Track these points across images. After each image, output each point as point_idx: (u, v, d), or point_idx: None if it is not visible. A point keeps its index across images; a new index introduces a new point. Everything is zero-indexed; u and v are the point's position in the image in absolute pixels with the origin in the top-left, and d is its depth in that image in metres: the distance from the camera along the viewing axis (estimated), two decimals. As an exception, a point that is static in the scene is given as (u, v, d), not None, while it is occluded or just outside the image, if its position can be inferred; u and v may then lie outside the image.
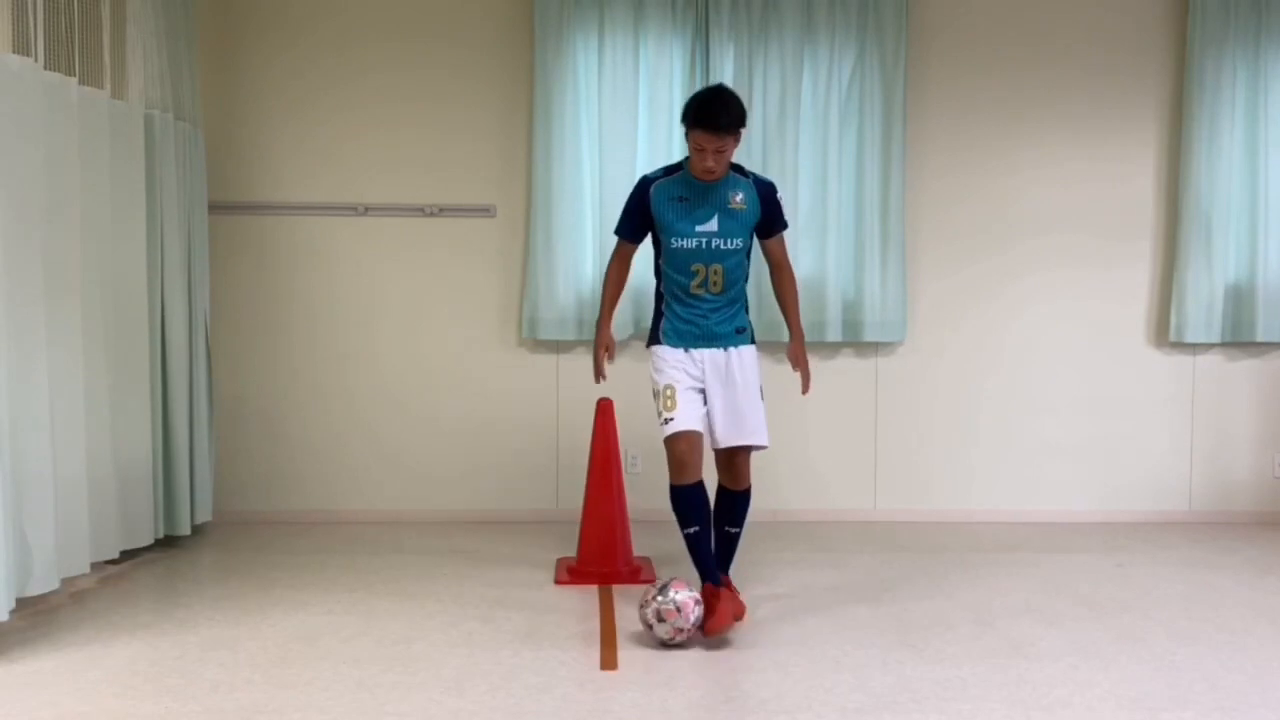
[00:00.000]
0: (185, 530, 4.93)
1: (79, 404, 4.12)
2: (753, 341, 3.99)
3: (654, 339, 3.95)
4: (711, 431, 3.90)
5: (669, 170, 3.93)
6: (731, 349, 3.90)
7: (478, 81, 5.52)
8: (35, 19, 3.88)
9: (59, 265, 4.01)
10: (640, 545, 4.66)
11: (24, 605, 3.81)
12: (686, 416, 3.80)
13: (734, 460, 3.95)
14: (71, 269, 4.11)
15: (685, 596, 3.60)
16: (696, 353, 3.87)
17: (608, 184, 5.38)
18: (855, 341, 5.60)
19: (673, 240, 3.84)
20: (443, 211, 5.53)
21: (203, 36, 5.31)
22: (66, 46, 4.14)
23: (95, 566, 4.31)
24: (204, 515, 5.14)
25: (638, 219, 3.92)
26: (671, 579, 3.68)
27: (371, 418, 5.55)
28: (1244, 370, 5.71)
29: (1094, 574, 4.63)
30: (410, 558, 4.80)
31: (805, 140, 5.49)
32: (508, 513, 5.53)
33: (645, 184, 3.91)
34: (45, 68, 3.95)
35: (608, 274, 4.05)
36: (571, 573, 4.50)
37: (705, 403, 3.87)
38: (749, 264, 3.98)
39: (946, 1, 5.60)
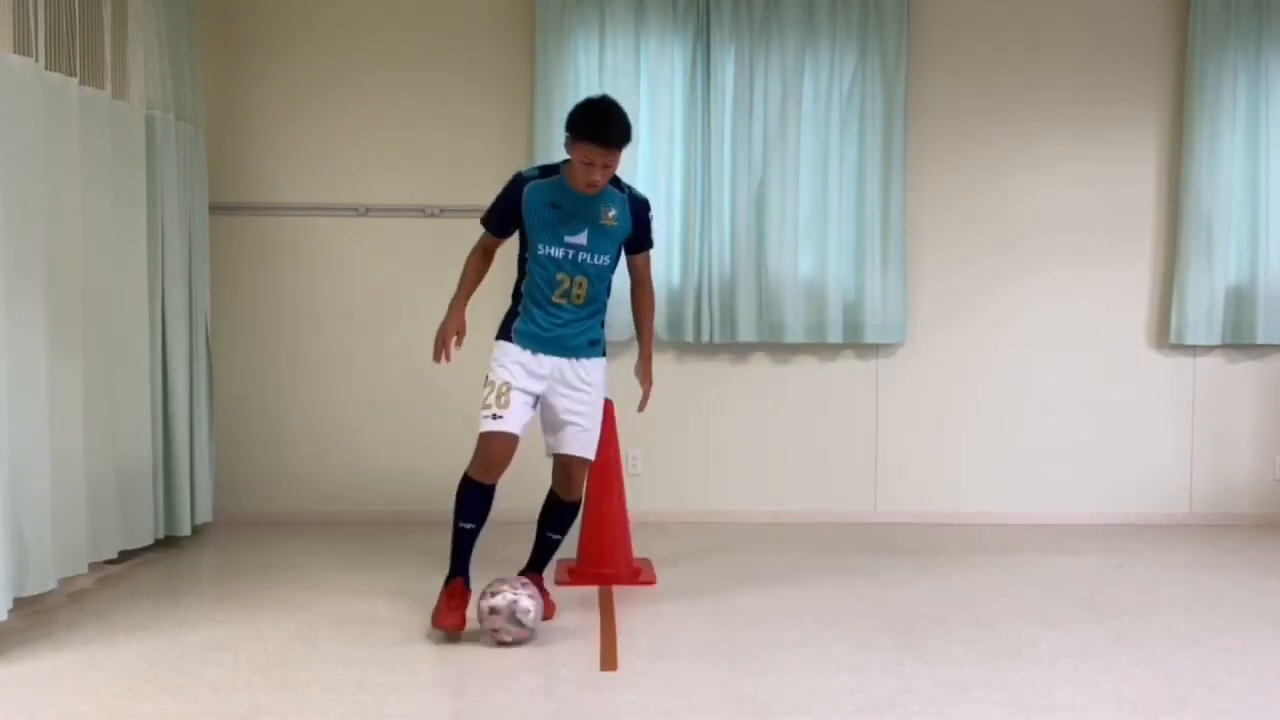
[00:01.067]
0: (185, 530, 4.93)
1: (78, 404, 4.12)
2: (603, 354, 3.92)
3: (503, 334, 3.85)
4: (547, 437, 3.88)
5: (546, 171, 3.83)
6: (581, 359, 3.83)
7: (479, 82, 5.52)
8: (36, 19, 3.89)
9: (59, 265, 4.01)
10: (640, 546, 4.66)
11: (22, 605, 3.81)
12: (513, 419, 3.73)
13: (570, 471, 3.90)
14: (72, 269, 4.11)
15: (518, 598, 3.58)
16: (543, 357, 3.80)
17: (608, 185, 5.37)
18: (856, 343, 5.60)
19: (539, 246, 3.76)
20: (443, 212, 5.53)
21: (204, 37, 5.31)
22: (68, 47, 4.14)
23: (94, 567, 4.31)
24: (204, 516, 5.14)
25: (507, 215, 3.82)
26: (512, 582, 3.65)
27: (372, 418, 5.55)
28: (1244, 372, 5.71)
29: (1094, 576, 4.62)
30: (410, 558, 4.79)
31: (806, 142, 5.49)
32: (508, 514, 5.50)
33: (520, 182, 3.80)
34: (46, 68, 3.96)
35: (466, 264, 3.92)
36: (572, 574, 4.49)
37: (534, 408, 3.82)
38: (613, 279, 3.88)
39: (947, 3, 5.60)
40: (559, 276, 3.76)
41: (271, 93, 5.50)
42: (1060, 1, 5.61)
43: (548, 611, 3.86)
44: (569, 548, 4.68)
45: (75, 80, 4.13)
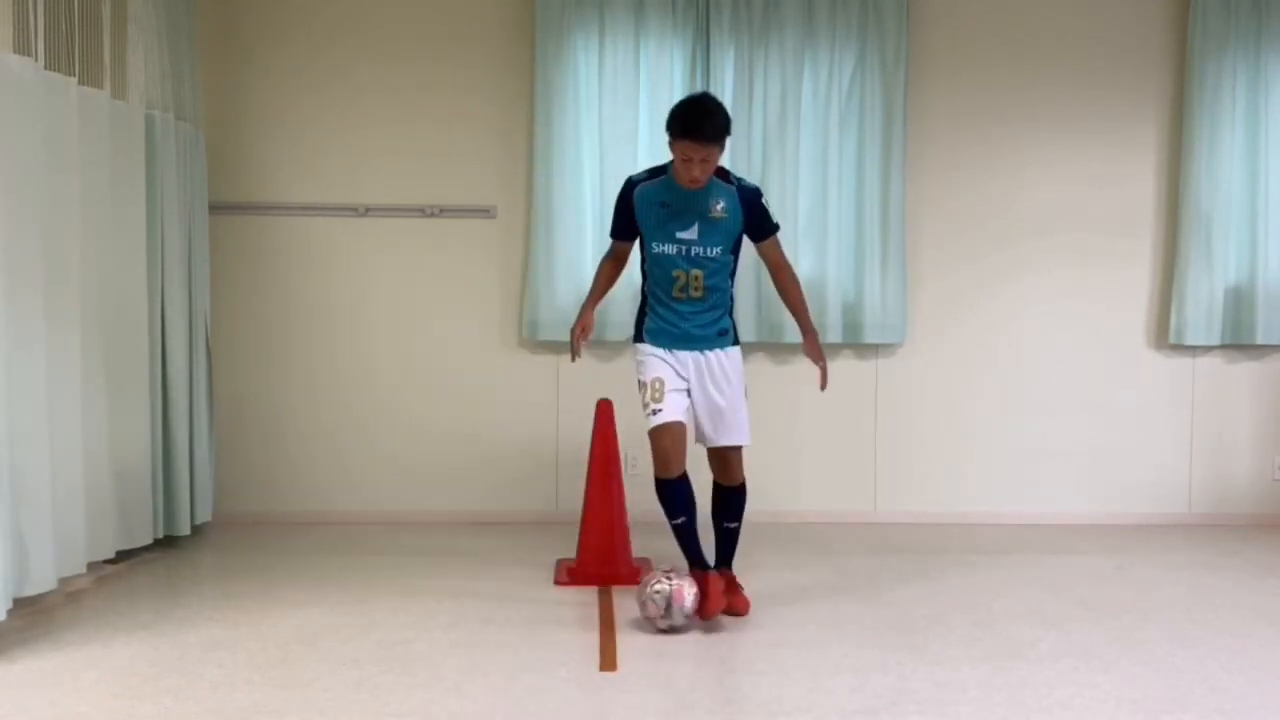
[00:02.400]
0: (185, 530, 4.93)
1: (77, 404, 4.12)
2: (736, 343, 4.00)
3: (639, 336, 3.99)
4: (698, 431, 3.96)
5: (653, 173, 3.94)
6: (712, 351, 3.92)
7: (479, 82, 5.52)
8: (36, 19, 3.89)
9: (59, 265, 4.01)
10: (640, 547, 4.66)
11: (21, 605, 3.80)
12: (672, 409, 3.85)
13: (724, 458, 4.01)
14: (71, 269, 4.10)
15: (678, 584, 3.71)
16: (678, 354, 3.91)
17: (608, 185, 5.37)
18: (855, 343, 5.60)
19: (654, 245, 3.88)
20: (443, 212, 5.53)
21: (204, 37, 5.31)
22: (67, 46, 4.14)
23: (93, 566, 4.30)
24: (203, 515, 5.14)
25: (626, 219, 3.95)
26: (668, 569, 3.77)
27: (371, 418, 5.55)
28: (1244, 372, 5.71)
29: (1094, 576, 4.62)
30: (410, 558, 4.80)
31: (805, 142, 5.49)
32: (507, 514, 5.53)
33: (630, 186, 3.94)
34: (45, 67, 3.95)
35: (598, 270, 4.11)
36: (571, 574, 4.49)
37: (688, 398, 3.91)
38: (734, 270, 3.97)
39: (947, 4, 5.60)
40: (675, 273, 3.86)
41: (271, 92, 5.50)
42: (1060, 1, 5.61)
43: (739, 606, 3.92)
44: (569, 547, 4.69)
45: (75, 80, 4.13)
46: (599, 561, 4.48)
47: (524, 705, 3.13)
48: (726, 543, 4.07)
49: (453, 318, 5.57)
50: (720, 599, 3.78)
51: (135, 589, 4.33)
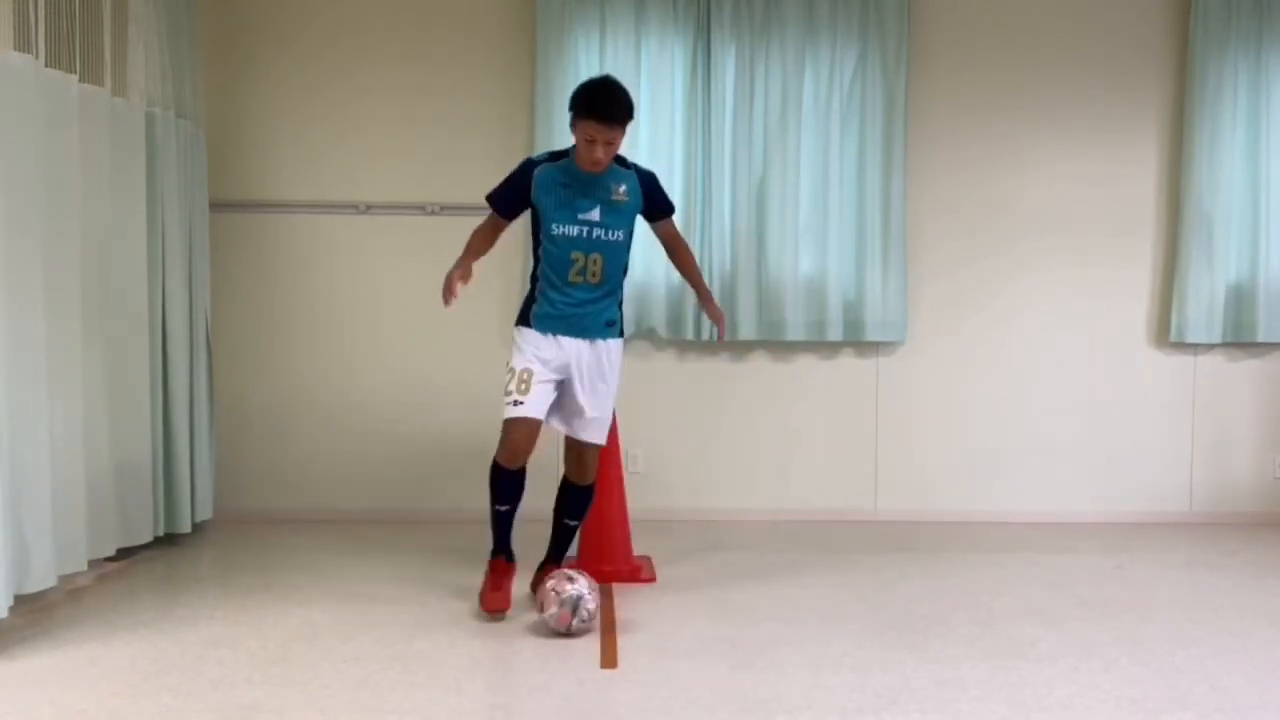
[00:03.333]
0: (186, 528, 4.93)
1: (78, 401, 4.12)
2: (621, 335, 4.00)
3: (523, 319, 3.94)
4: (563, 421, 3.95)
5: (554, 156, 3.93)
6: (599, 340, 3.92)
7: (480, 80, 5.52)
8: (36, 16, 3.89)
9: (59, 263, 4.01)
10: (640, 544, 4.66)
11: (22, 603, 3.81)
12: (535, 404, 3.82)
13: (582, 454, 4.00)
14: (72, 267, 4.10)
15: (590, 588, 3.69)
16: (562, 339, 3.88)
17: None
18: (856, 341, 5.60)
19: (553, 226, 3.84)
20: (444, 210, 5.53)
21: (204, 34, 5.31)
22: (68, 44, 4.14)
23: (94, 564, 4.30)
24: (204, 513, 5.14)
25: (514, 198, 3.91)
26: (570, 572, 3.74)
27: (372, 416, 5.55)
28: (1245, 371, 5.71)
29: (1094, 575, 4.62)
30: (410, 556, 4.80)
31: (806, 140, 5.49)
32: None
33: (530, 165, 3.91)
34: (46, 65, 3.95)
35: (473, 234, 3.97)
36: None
37: (555, 391, 3.89)
38: (629, 259, 3.98)
39: (948, 2, 5.60)
40: (574, 255, 3.84)
41: (272, 90, 5.50)
42: (1061, 1, 5.61)
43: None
44: (570, 546, 4.68)
45: (75, 77, 4.13)
46: (599, 559, 4.48)
47: (525, 703, 3.13)
48: (562, 539, 4.11)
49: (454, 315, 5.53)
50: (508, 597, 3.83)
51: (136, 587, 4.34)
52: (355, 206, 5.53)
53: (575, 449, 4.02)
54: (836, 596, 4.23)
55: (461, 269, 3.87)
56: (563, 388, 3.91)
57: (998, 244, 5.64)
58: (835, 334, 5.53)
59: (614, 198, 3.86)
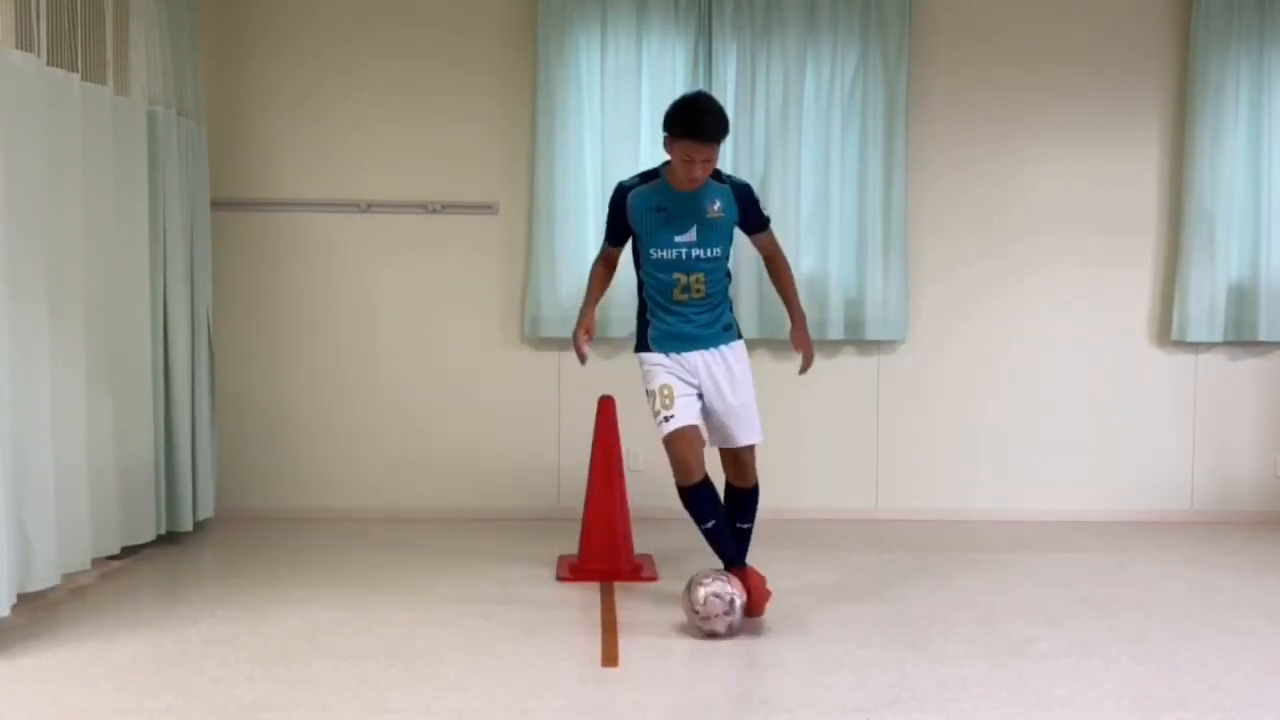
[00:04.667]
0: (187, 526, 4.93)
1: (80, 400, 4.12)
2: (740, 337, 3.99)
3: (642, 345, 3.93)
4: (710, 434, 3.92)
5: (645, 177, 3.88)
6: (720, 347, 3.90)
7: (481, 79, 5.52)
8: (38, 14, 3.88)
9: (61, 261, 4.01)
10: (642, 542, 4.66)
11: (25, 601, 3.81)
12: (684, 414, 3.80)
13: (738, 459, 3.96)
14: (74, 265, 4.11)
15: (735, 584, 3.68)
16: (685, 356, 3.86)
17: (610, 182, 5.31)
18: (857, 340, 5.60)
19: (652, 251, 3.82)
20: (445, 209, 5.53)
21: (206, 33, 5.31)
22: (69, 42, 4.14)
23: (96, 562, 4.31)
24: (206, 511, 5.14)
25: (619, 224, 3.90)
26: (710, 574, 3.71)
27: (373, 414, 5.55)
28: (1246, 370, 5.71)
29: (1095, 573, 4.62)
30: (412, 554, 4.80)
31: (808, 139, 5.49)
32: (509, 510, 5.53)
33: (622, 192, 3.87)
34: (48, 63, 3.95)
35: (592, 271, 4.05)
36: (573, 570, 4.50)
37: (700, 399, 3.87)
38: (730, 266, 3.96)
39: (949, 1, 5.59)
40: (675, 275, 3.81)
41: (273, 89, 5.49)
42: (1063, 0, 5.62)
43: (757, 602, 3.81)
44: (571, 544, 4.69)
45: (77, 76, 4.13)
46: (601, 557, 4.48)
47: (526, 701, 3.14)
48: (741, 543, 4.02)
49: (454, 314, 5.57)
50: (766, 593, 3.80)
51: (138, 585, 4.34)
52: (356, 205, 5.53)
53: (730, 455, 3.95)
54: (837, 595, 4.23)
55: (584, 322, 3.91)
56: (703, 400, 3.88)
57: (999, 243, 5.64)
58: (836, 332, 5.53)
59: (710, 215, 3.80)
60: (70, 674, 3.30)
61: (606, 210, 3.94)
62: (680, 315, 3.85)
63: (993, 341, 5.66)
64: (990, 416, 5.67)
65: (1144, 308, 5.69)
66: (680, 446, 3.78)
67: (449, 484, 5.57)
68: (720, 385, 3.87)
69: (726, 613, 3.62)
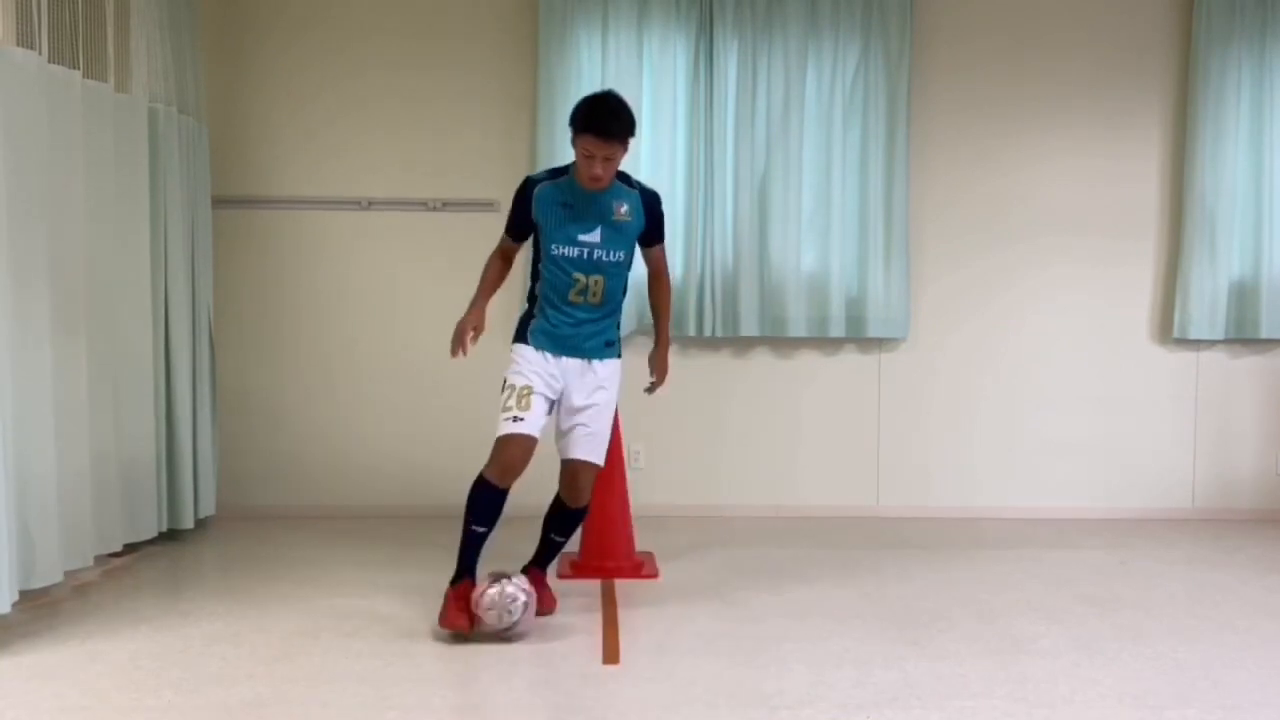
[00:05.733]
0: (188, 524, 4.94)
1: (82, 397, 4.12)
2: (619, 356, 3.91)
3: (520, 337, 3.85)
4: (557, 440, 3.86)
5: (554, 174, 3.82)
6: (595, 361, 3.83)
7: (482, 77, 5.52)
8: (40, 12, 3.89)
9: (63, 259, 4.02)
10: (643, 540, 4.66)
11: (27, 598, 3.81)
12: (532, 422, 3.70)
13: (577, 477, 3.86)
14: (75, 263, 4.11)
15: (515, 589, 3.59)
16: (561, 359, 3.79)
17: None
18: (858, 338, 5.60)
19: (553, 247, 3.75)
20: (446, 206, 5.53)
21: (207, 30, 5.31)
22: (71, 40, 4.14)
23: (98, 560, 4.31)
24: (207, 509, 5.15)
25: (521, 217, 3.82)
26: (503, 575, 3.64)
27: (374, 412, 5.55)
28: (1248, 367, 5.70)
29: (1096, 571, 4.62)
30: (413, 552, 4.80)
31: (809, 137, 5.49)
32: (510, 507, 5.47)
33: (529, 185, 3.80)
34: (49, 61, 3.95)
35: (487, 265, 3.91)
36: (574, 567, 4.50)
37: (550, 412, 3.81)
38: (628, 277, 3.88)
39: (951, -3, 5.60)
40: (575, 275, 3.75)
41: (274, 86, 5.50)
42: (1064, -4, 5.61)
43: (547, 605, 3.85)
44: (572, 541, 4.69)
45: (79, 73, 4.14)
46: (602, 555, 4.49)
47: (527, 698, 3.14)
48: (549, 552, 4.01)
49: (456, 312, 5.51)
50: (471, 617, 3.61)
51: (139, 582, 4.34)
52: (357, 202, 5.53)
53: (570, 469, 3.86)
54: (838, 592, 4.24)
55: (473, 316, 3.75)
56: (559, 407, 3.83)
57: (1000, 241, 5.64)
58: (837, 330, 5.53)
59: (615, 217, 3.75)
60: (72, 671, 3.31)
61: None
62: (569, 317, 3.78)
63: (994, 339, 5.66)
64: (991, 414, 5.67)
65: (1145, 305, 5.69)
66: (513, 450, 3.69)
67: (450, 481, 5.52)
68: (581, 395, 3.79)
69: (516, 621, 3.56)
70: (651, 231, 3.87)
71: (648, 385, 4.04)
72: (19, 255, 3.69)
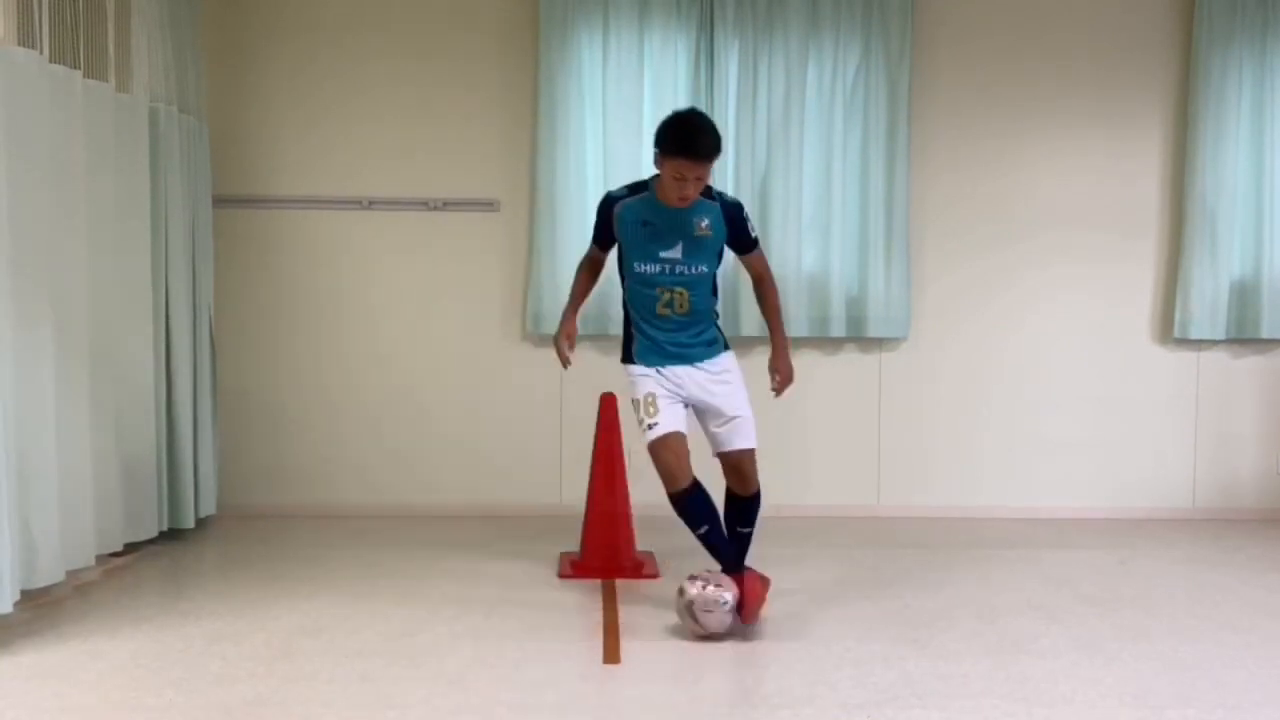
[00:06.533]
0: (189, 523, 4.94)
1: (83, 396, 4.12)
2: (727, 348, 3.94)
3: (627, 357, 3.90)
4: (709, 438, 3.90)
5: (634, 189, 3.84)
6: (705, 361, 3.86)
7: (482, 76, 5.52)
8: (41, 11, 3.89)
9: (63, 258, 4.02)
10: (643, 540, 4.66)
11: (28, 597, 3.81)
12: (668, 420, 3.75)
13: (737, 467, 3.91)
14: (76, 262, 4.11)
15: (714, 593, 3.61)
16: (670, 369, 3.83)
17: (612, 179, 5.35)
18: (859, 337, 5.60)
19: (636, 264, 3.78)
20: (447, 206, 5.53)
21: (208, 30, 5.31)
22: (71, 39, 4.14)
23: (99, 559, 4.31)
24: (208, 508, 5.15)
25: (606, 231, 3.88)
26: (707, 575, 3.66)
27: (375, 411, 5.55)
28: (1248, 367, 5.70)
29: (1097, 570, 4.63)
30: (413, 551, 4.80)
31: (810, 136, 5.49)
32: (511, 507, 5.53)
33: (610, 202, 3.84)
34: (50, 60, 3.96)
35: (577, 275, 4.05)
36: (575, 567, 4.50)
37: (686, 407, 3.84)
38: (716, 283, 3.91)
39: (952, -3, 5.60)
40: (659, 290, 3.78)
41: (275, 86, 5.49)
42: (1065, -5, 5.61)
43: (749, 608, 3.67)
44: (573, 540, 4.70)
45: (79, 73, 4.13)
46: (603, 554, 4.48)
47: (527, 698, 3.14)
48: (740, 545, 3.99)
49: (456, 311, 5.57)
50: (760, 600, 3.69)
51: (140, 581, 4.35)
52: (358, 202, 5.53)
53: (730, 462, 3.89)
54: (839, 591, 4.24)
55: (565, 328, 3.92)
56: (693, 410, 3.86)
57: (1001, 240, 5.64)
58: (838, 330, 5.53)
59: (697, 234, 3.74)
60: (73, 670, 3.31)
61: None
62: (661, 329, 3.82)
63: (994, 339, 5.66)
64: (992, 414, 5.67)
65: (1146, 305, 5.69)
66: (665, 455, 3.74)
67: (451, 481, 5.57)
68: (709, 390, 3.84)
69: (714, 612, 3.57)
70: (737, 240, 3.87)
71: (772, 387, 4.04)
72: (19, 254, 3.69)
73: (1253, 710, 3.09)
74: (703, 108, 5.41)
